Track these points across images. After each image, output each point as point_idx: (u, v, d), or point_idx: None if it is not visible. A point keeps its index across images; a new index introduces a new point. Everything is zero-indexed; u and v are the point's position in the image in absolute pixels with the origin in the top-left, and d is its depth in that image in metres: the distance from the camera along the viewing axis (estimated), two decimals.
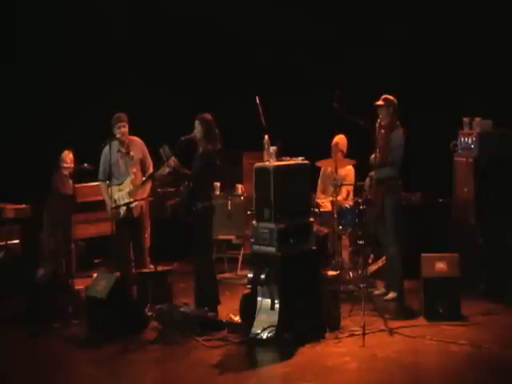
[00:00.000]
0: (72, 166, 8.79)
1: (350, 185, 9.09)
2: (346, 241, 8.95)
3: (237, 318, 7.47)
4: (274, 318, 7.00)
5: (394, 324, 7.38)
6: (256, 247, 7.24)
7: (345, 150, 9.06)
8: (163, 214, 8.65)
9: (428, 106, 9.63)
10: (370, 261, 8.99)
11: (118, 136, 8.17)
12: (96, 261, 9.32)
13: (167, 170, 7.84)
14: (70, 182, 8.76)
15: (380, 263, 8.91)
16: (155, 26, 10.77)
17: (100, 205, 8.46)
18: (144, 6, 10.81)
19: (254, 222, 7.27)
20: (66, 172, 8.78)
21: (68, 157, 8.83)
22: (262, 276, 7.04)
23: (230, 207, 9.98)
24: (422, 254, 7.69)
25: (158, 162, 7.95)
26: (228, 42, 10.66)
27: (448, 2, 9.78)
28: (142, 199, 8.26)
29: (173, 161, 7.69)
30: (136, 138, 8.38)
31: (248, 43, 10.55)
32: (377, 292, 8.48)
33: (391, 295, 8.32)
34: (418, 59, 9.92)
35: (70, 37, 10.69)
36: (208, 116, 7.78)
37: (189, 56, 10.80)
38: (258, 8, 10.50)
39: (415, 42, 9.92)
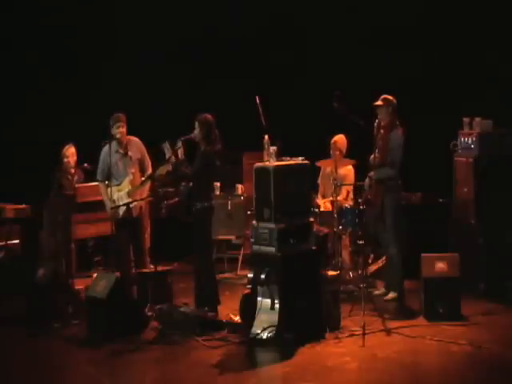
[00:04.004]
0: (73, 159, 8.75)
1: (350, 185, 9.10)
2: (346, 241, 8.95)
3: (237, 318, 7.47)
4: (273, 317, 7.00)
5: (393, 324, 7.38)
6: (256, 247, 7.24)
7: (343, 150, 9.06)
8: (159, 214, 8.65)
9: (428, 106, 9.63)
10: (369, 261, 8.99)
11: (117, 136, 8.15)
12: (96, 258, 9.32)
13: (165, 169, 7.84)
14: (75, 178, 8.74)
15: (380, 263, 8.91)
16: (155, 25, 10.78)
17: (100, 205, 8.45)
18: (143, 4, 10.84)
19: (254, 222, 7.27)
20: (68, 167, 8.75)
21: (68, 151, 8.75)
22: (262, 276, 7.04)
23: (230, 207, 9.99)
24: (422, 254, 7.68)
25: (157, 161, 7.95)
26: (228, 42, 10.66)
27: (448, 2, 9.78)
28: (142, 199, 8.25)
29: (177, 154, 7.67)
30: (134, 138, 8.36)
31: (248, 43, 10.56)
32: (377, 292, 8.48)
33: (391, 295, 8.32)
34: (417, 59, 9.91)
35: (69, 36, 10.70)
36: (208, 116, 7.77)
37: (189, 56, 10.81)
38: (258, 7, 10.50)
39: (415, 42, 9.92)
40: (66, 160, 8.75)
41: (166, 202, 8.80)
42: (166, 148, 7.69)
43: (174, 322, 7.40)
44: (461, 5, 9.67)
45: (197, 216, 7.75)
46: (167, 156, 7.71)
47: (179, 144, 7.67)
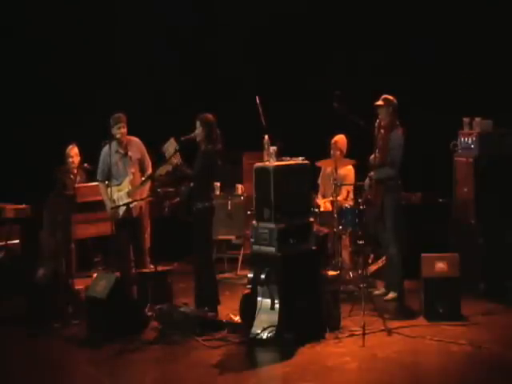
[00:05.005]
0: (76, 159, 8.91)
1: (350, 185, 9.10)
2: (346, 241, 8.95)
3: (237, 318, 7.47)
4: (273, 317, 7.00)
5: (393, 324, 7.37)
6: (256, 247, 7.24)
7: (344, 150, 9.06)
8: (161, 213, 8.66)
9: (428, 106, 9.63)
10: (370, 261, 8.99)
11: (117, 136, 8.16)
12: (96, 259, 9.32)
13: (165, 169, 7.84)
14: (78, 178, 8.77)
15: (380, 263, 8.91)
16: (153, 25, 10.78)
17: (100, 205, 8.44)
18: (143, 5, 10.84)
19: (254, 222, 7.27)
20: (72, 167, 8.86)
21: (72, 151, 8.98)
22: (262, 276, 7.04)
23: (230, 207, 9.99)
24: (422, 254, 7.68)
25: (157, 161, 7.95)
26: (228, 42, 10.66)
27: (447, 3, 9.78)
28: (142, 199, 8.25)
29: (176, 158, 7.68)
30: (134, 138, 8.36)
31: (248, 43, 10.55)
32: (377, 292, 8.48)
33: (391, 295, 8.32)
34: (417, 59, 9.91)
35: (69, 36, 10.71)
36: (209, 116, 7.77)
37: (189, 56, 10.81)
38: (257, 7, 10.51)
39: (415, 42, 9.92)
40: (70, 160, 8.92)
41: (168, 201, 8.81)
42: (169, 147, 7.67)
43: (174, 321, 7.40)
44: (461, 5, 9.67)
45: (197, 216, 7.75)
46: (168, 156, 7.70)
47: (175, 148, 7.67)
